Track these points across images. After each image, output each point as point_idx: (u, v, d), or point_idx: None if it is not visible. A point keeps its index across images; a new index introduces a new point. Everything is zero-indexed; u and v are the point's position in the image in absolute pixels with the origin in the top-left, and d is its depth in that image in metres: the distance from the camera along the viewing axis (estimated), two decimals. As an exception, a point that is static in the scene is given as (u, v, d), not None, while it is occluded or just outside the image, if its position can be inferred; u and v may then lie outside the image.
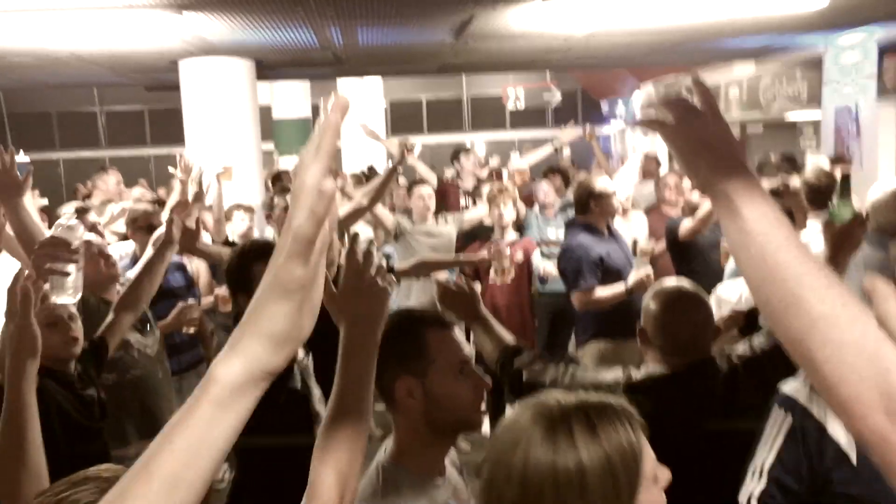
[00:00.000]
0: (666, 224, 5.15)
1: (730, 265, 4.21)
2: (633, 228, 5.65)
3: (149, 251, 3.74)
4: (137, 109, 17.89)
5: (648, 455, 1.13)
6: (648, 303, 2.36)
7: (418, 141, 5.87)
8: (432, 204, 5.47)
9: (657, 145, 10.86)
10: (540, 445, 1.10)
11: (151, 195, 8.02)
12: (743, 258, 0.94)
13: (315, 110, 12.87)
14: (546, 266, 4.92)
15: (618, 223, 4.93)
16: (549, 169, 7.51)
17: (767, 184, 5.22)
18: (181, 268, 4.56)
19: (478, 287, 5.16)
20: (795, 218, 4.29)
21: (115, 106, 18.04)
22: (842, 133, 7.87)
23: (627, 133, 15.97)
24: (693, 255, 4.84)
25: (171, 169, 5.24)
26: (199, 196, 4.55)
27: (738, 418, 2.10)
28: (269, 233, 6.12)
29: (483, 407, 1.77)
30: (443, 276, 5.27)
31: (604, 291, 4.25)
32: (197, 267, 5.00)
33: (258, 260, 2.65)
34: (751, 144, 10.85)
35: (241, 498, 2.68)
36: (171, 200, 5.09)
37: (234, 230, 5.28)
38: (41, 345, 1.77)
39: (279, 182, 7.49)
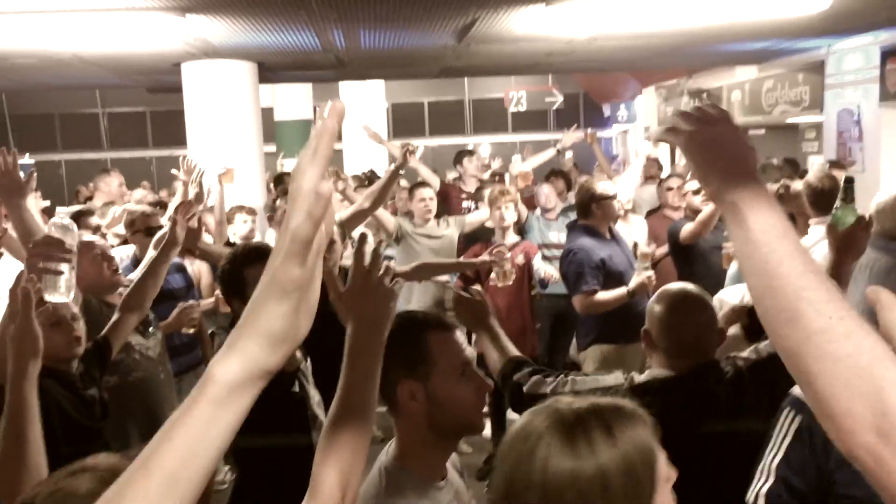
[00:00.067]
0: (668, 227, 5.16)
1: (731, 269, 4.21)
2: (633, 232, 5.65)
3: (150, 252, 3.75)
4: (139, 111, 17.93)
5: (661, 454, 1.13)
6: (653, 305, 2.37)
7: (420, 144, 5.88)
8: (433, 206, 5.46)
9: (659, 148, 10.86)
10: (559, 452, 1.09)
11: (153, 197, 8.03)
12: (747, 267, 0.95)
13: (317, 112, 12.89)
14: (547, 269, 4.92)
15: (618, 226, 4.93)
16: (552, 172, 7.52)
17: (769, 187, 5.20)
18: (181, 269, 4.56)
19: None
20: (797, 222, 4.29)
21: (117, 108, 18.07)
22: (844, 137, 7.87)
23: (629, 136, 15.97)
24: (695, 259, 4.84)
25: (174, 171, 5.24)
26: (200, 197, 4.56)
27: (742, 422, 2.10)
28: (271, 235, 6.12)
29: (485, 409, 1.77)
30: (444, 278, 5.27)
31: (605, 295, 4.25)
32: (198, 268, 5.00)
33: (249, 265, 2.67)
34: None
35: (242, 499, 2.69)
36: (174, 202, 5.09)
37: (236, 232, 5.28)
38: (44, 345, 1.77)
39: (281, 184, 7.50)
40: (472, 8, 5.23)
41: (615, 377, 2.25)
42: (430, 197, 5.45)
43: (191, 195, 4.61)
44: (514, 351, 2.33)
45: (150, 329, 3.59)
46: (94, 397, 2.70)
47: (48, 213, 6.39)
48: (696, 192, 5.02)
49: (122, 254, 4.45)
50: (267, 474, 2.55)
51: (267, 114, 9.27)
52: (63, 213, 4.11)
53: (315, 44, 6.50)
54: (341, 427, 1.34)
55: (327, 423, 1.37)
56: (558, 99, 13.99)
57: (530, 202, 6.19)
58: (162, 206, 6.10)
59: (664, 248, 5.23)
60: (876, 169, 7.34)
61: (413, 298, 5.23)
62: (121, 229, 5.16)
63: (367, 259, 1.39)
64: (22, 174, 2.80)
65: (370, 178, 7.96)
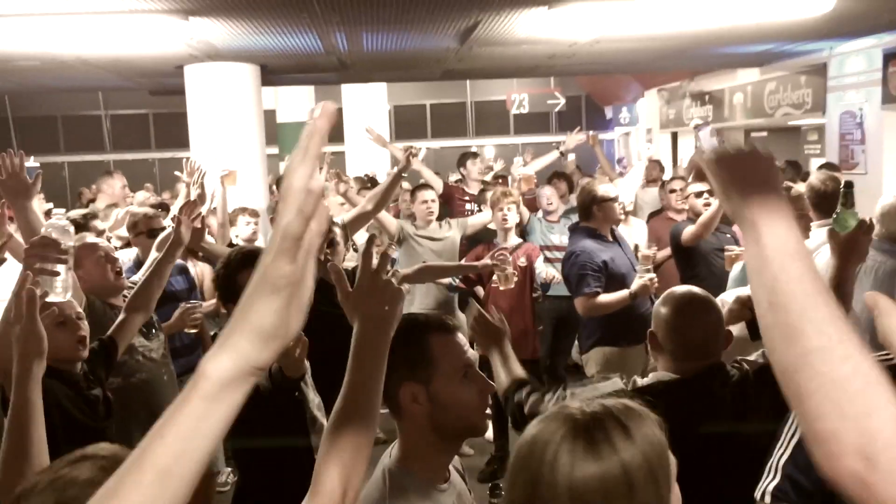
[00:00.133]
0: (670, 229, 5.16)
1: (734, 271, 4.21)
2: (633, 234, 5.65)
3: (153, 253, 3.75)
4: (142, 113, 17.95)
5: (670, 451, 1.15)
6: (659, 307, 2.37)
7: (422, 146, 5.88)
8: (435, 208, 5.46)
9: (661, 150, 10.86)
10: (583, 457, 1.09)
11: (155, 199, 8.05)
12: (756, 283, 0.96)
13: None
14: (549, 271, 4.93)
15: (619, 228, 4.94)
16: (554, 174, 7.52)
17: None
18: (184, 271, 4.56)
19: (479, 291, 5.18)
20: (799, 224, 4.28)
21: (119, 110, 18.10)
22: (846, 139, 7.87)
23: (631, 138, 15.98)
24: (697, 260, 4.85)
25: (177, 173, 5.25)
26: (201, 198, 4.57)
27: (748, 424, 2.09)
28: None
29: (487, 411, 1.77)
30: (445, 280, 5.27)
31: (607, 297, 4.25)
32: (201, 270, 5.00)
33: (243, 269, 2.68)
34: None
35: (244, 499, 2.70)
36: (177, 204, 5.10)
37: (239, 234, 5.29)
38: (49, 345, 1.78)
39: (284, 186, 7.49)
40: (475, 11, 5.24)
41: (613, 384, 2.25)
42: (431, 199, 5.44)
43: (193, 197, 4.62)
44: (520, 373, 2.36)
45: (153, 331, 3.60)
46: (97, 397, 2.71)
47: (51, 215, 6.41)
48: (699, 195, 5.03)
49: (125, 257, 4.46)
50: (268, 476, 2.56)
51: (269, 116, 9.28)
52: (60, 215, 4.12)
53: (317, 46, 6.51)
54: (344, 426, 1.35)
55: (330, 422, 1.37)
56: (560, 101, 14.01)
57: (532, 204, 6.20)
58: (164, 208, 6.10)
59: (667, 251, 5.24)
60: (878, 171, 7.33)
61: (415, 301, 5.24)
62: (123, 232, 5.17)
63: (375, 260, 1.40)
64: (28, 176, 2.82)
65: (372, 180, 7.96)
